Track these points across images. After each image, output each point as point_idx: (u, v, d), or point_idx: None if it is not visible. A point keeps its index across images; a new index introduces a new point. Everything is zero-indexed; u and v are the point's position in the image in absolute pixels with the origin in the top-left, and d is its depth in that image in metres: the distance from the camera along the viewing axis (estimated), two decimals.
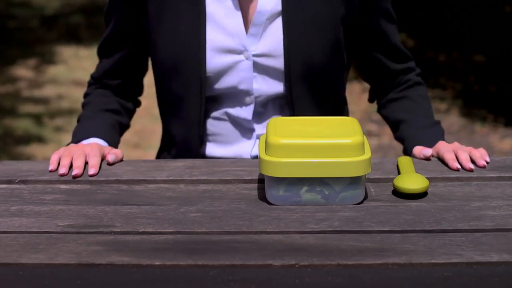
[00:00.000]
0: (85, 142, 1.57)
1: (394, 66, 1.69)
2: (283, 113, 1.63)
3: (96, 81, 1.74)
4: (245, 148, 1.65)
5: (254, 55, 1.58)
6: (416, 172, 1.40)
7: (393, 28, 1.67)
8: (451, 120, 4.53)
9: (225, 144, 1.65)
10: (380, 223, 1.22)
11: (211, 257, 1.10)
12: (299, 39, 1.57)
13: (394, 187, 1.35)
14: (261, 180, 1.39)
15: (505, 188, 1.37)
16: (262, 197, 1.33)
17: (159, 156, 1.77)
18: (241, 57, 1.58)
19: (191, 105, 1.61)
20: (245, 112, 1.63)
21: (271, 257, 1.10)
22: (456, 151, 1.48)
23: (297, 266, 1.08)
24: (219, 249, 1.13)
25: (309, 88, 1.60)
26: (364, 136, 1.32)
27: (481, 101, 4.80)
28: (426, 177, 1.36)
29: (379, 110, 1.75)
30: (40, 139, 4.20)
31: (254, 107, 1.62)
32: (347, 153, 1.27)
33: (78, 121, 1.69)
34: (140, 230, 1.20)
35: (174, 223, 1.23)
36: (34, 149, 4.07)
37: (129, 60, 1.68)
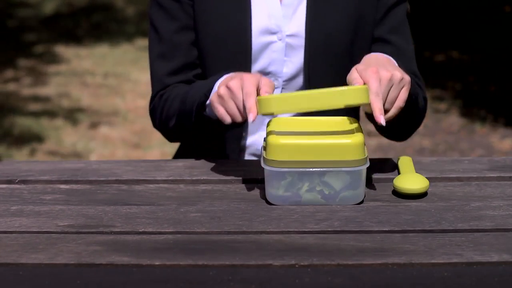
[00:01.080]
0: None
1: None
2: None
3: (164, 88, 1.64)
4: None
5: (287, 36, 1.60)
6: (416, 172, 1.40)
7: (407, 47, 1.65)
8: (451, 120, 4.53)
9: (248, 132, 1.66)
10: (380, 223, 1.22)
11: (211, 257, 1.10)
12: (319, 18, 1.59)
13: (394, 187, 1.35)
14: (261, 180, 1.39)
15: (505, 188, 1.38)
16: (262, 197, 1.33)
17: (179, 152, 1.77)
18: (275, 37, 1.60)
19: None
20: None
21: (271, 257, 1.10)
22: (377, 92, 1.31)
23: (297, 266, 1.08)
24: (219, 249, 1.13)
25: (328, 69, 1.61)
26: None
27: (481, 101, 4.80)
28: (426, 177, 1.36)
29: None
30: (40, 139, 4.20)
31: (280, 91, 1.63)
32: (347, 153, 1.27)
33: (182, 102, 1.55)
34: (140, 230, 1.20)
35: (174, 223, 1.23)
36: (34, 149, 4.07)
37: (192, 49, 1.64)
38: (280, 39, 1.60)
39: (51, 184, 1.42)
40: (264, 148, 1.32)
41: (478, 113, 4.61)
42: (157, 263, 1.09)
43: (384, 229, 1.20)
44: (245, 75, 1.36)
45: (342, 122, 1.37)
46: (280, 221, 1.23)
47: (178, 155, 1.79)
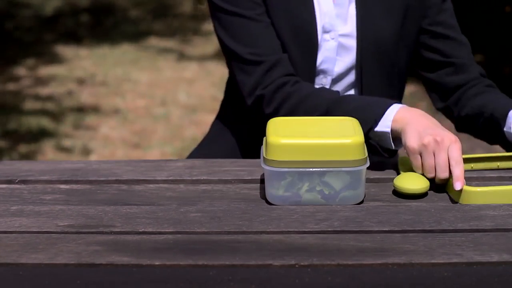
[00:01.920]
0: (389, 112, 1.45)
1: (461, 60, 1.69)
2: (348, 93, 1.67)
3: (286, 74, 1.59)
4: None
5: (339, 35, 1.62)
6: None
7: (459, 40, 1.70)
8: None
9: None
10: (380, 223, 1.22)
11: (211, 257, 1.10)
12: (369, 18, 1.61)
13: (394, 187, 1.35)
14: (261, 180, 1.39)
15: None
16: (262, 197, 1.33)
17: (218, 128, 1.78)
18: (327, 36, 1.62)
19: (301, 76, 1.61)
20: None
21: (271, 257, 1.10)
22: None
23: (297, 266, 1.08)
24: (219, 249, 1.13)
25: (379, 68, 1.63)
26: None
27: None
28: (426, 177, 1.36)
29: (451, 107, 1.70)
30: (40, 138, 4.20)
31: (329, 87, 1.65)
32: (347, 153, 1.27)
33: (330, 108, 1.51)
34: (140, 230, 1.20)
35: (174, 223, 1.23)
36: (34, 148, 4.07)
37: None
38: (333, 38, 1.62)
39: (51, 184, 1.42)
40: (264, 147, 1.32)
41: None
42: (157, 263, 1.09)
43: (384, 229, 1.19)
44: (447, 135, 1.37)
45: (342, 121, 1.37)
46: (280, 221, 1.23)
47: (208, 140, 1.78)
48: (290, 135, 1.30)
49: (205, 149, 1.78)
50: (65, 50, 6.09)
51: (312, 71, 1.62)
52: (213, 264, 1.09)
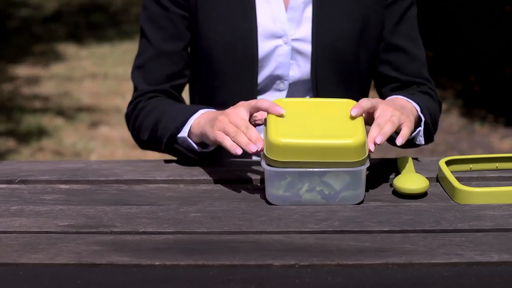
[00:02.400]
0: (191, 120, 1.49)
1: (406, 77, 1.67)
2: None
3: (144, 94, 1.64)
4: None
5: (292, 40, 1.60)
6: (416, 172, 1.40)
7: (414, 45, 1.67)
8: (451, 120, 4.53)
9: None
10: (380, 223, 1.22)
11: (211, 257, 1.10)
12: (326, 23, 1.59)
13: (394, 187, 1.35)
14: (261, 180, 1.39)
15: None
16: (262, 197, 1.33)
17: None
18: (280, 41, 1.60)
19: (242, 93, 1.62)
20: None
21: (271, 257, 1.10)
22: (383, 125, 1.36)
23: (297, 266, 1.08)
24: (219, 249, 1.13)
25: (335, 74, 1.62)
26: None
27: (481, 101, 4.80)
28: (426, 177, 1.36)
29: None
30: (40, 139, 4.20)
31: (287, 94, 1.64)
32: (348, 154, 1.27)
33: (156, 123, 1.57)
34: (140, 230, 1.20)
35: (174, 223, 1.23)
36: (34, 148, 4.07)
37: (182, 54, 1.65)
38: (285, 43, 1.61)
39: (51, 184, 1.42)
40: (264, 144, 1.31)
41: (478, 113, 4.61)
42: (157, 263, 1.09)
43: (384, 229, 1.19)
44: (229, 111, 1.39)
45: (345, 110, 1.34)
46: (280, 221, 1.23)
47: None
48: (291, 133, 1.29)
49: None
50: (65, 50, 6.09)
51: (253, 79, 1.61)
52: (213, 264, 1.09)
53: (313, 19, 1.59)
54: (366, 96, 1.72)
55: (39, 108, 4.73)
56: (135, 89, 1.65)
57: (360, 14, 1.61)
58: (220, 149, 1.44)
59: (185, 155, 1.52)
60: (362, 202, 1.31)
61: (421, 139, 1.50)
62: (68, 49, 6.13)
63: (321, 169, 1.28)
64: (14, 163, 1.55)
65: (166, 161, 1.54)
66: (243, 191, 1.37)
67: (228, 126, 1.36)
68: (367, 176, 1.36)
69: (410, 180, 1.34)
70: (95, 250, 1.13)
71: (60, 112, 4.66)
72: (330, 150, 1.27)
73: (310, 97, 1.64)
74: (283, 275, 1.07)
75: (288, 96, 1.64)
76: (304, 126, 1.32)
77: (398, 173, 1.43)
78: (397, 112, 1.38)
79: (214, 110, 1.50)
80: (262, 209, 1.28)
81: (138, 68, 1.65)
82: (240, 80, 1.62)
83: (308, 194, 1.29)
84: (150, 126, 1.57)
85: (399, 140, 1.37)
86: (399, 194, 1.34)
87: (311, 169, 1.28)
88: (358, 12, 1.60)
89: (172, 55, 1.63)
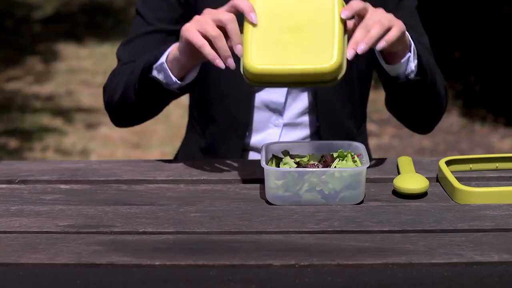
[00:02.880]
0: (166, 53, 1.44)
1: None
2: (304, 95, 1.64)
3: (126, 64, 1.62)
4: (272, 135, 1.64)
5: None
6: (416, 172, 1.40)
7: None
8: (451, 120, 4.53)
9: (255, 132, 1.66)
10: (380, 223, 1.22)
11: (211, 257, 1.10)
12: None
13: (394, 187, 1.35)
14: (261, 180, 1.39)
15: None
16: (262, 197, 1.33)
17: (181, 152, 1.77)
18: None
19: (240, 85, 1.61)
20: (278, 95, 1.63)
21: (271, 257, 1.10)
22: (371, 26, 1.29)
23: (297, 266, 1.08)
24: (219, 249, 1.13)
25: None
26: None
27: (481, 101, 4.80)
28: (426, 177, 1.36)
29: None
30: (40, 139, 4.20)
31: (287, 90, 1.63)
32: (324, 76, 1.26)
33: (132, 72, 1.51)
34: (140, 230, 1.20)
35: (174, 223, 1.23)
36: (34, 148, 4.07)
37: (175, 37, 1.60)
38: None
39: (51, 184, 1.42)
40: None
41: (478, 113, 4.61)
42: (157, 263, 1.09)
43: (384, 229, 1.19)
44: (209, 9, 1.32)
45: (327, 14, 1.29)
46: (280, 221, 1.23)
47: (179, 155, 1.78)
48: (265, 57, 1.26)
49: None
50: (65, 50, 6.09)
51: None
52: (213, 264, 1.09)
53: None
54: (367, 94, 1.72)
55: (39, 108, 4.73)
56: (118, 62, 1.63)
57: None
58: (199, 81, 1.42)
59: (160, 91, 1.44)
60: (362, 202, 1.31)
61: (411, 66, 1.41)
62: (68, 49, 6.13)
63: (321, 169, 1.28)
64: (14, 163, 1.55)
65: (166, 161, 1.54)
66: (243, 191, 1.37)
67: (207, 26, 1.30)
68: (367, 176, 1.36)
69: (410, 180, 1.34)
70: (95, 250, 1.13)
71: (60, 112, 4.66)
72: (305, 75, 1.25)
73: (311, 105, 1.63)
74: (283, 275, 1.07)
75: (288, 93, 1.63)
76: (279, 43, 1.29)
77: (398, 173, 1.43)
78: (389, 15, 1.31)
79: None
80: (262, 209, 1.28)
81: (125, 44, 1.64)
82: (238, 72, 1.61)
83: (308, 194, 1.29)
84: (124, 78, 1.53)
85: (381, 44, 1.28)
86: (399, 194, 1.34)
87: (311, 169, 1.28)
88: None
89: (164, 34, 1.61)
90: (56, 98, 4.92)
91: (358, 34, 1.27)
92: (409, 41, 1.40)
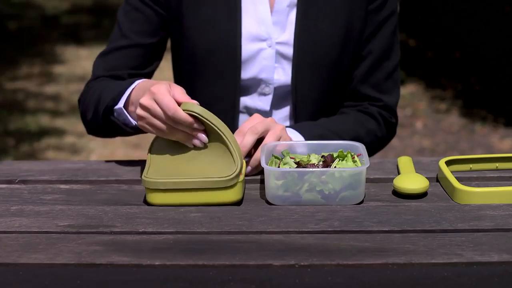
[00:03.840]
0: (129, 90, 1.46)
1: (366, 91, 1.65)
2: (288, 103, 1.65)
3: (97, 78, 1.65)
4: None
5: (276, 43, 1.60)
6: (416, 172, 1.40)
7: (382, 49, 1.64)
8: (451, 120, 4.53)
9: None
10: (380, 223, 1.22)
11: (211, 257, 1.10)
12: (310, 28, 1.58)
13: (394, 187, 1.35)
14: (261, 180, 1.39)
15: None
16: (262, 197, 1.33)
17: None
18: (264, 44, 1.60)
19: (224, 94, 1.61)
20: (263, 103, 1.64)
21: (271, 257, 1.10)
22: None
23: (297, 266, 1.08)
24: (219, 249, 1.13)
25: (315, 79, 1.61)
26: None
27: (481, 101, 4.80)
28: (426, 177, 1.36)
29: None
30: (40, 138, 4.20)
31: (272, 98, 1.63)
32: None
33: (98, 98, 1.54)
34: (140, 230, 1.20)
35: (174, 223, 1.23)
36: (34, 148, 4.07)
37: (151, 50, 1.64)
38: (269, 46, 1.60)
39: (51, 184, 1.42)
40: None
41: (478, 113, 4.61)
42: (157, 263, 1.09)
43: (384, 229, 1.19)
44: (154, 88, 1.31)
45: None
46: (280, 221, 1.23)
47: None
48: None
49: None
50: (65, 50, 6.09)
51: (236, 82, 1.61)
52: (213, 264, 1.09)
53: (297, 22, 1.58)
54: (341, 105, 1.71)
55: (40, 108, 4.73)
56: (92, 74, 1.65)
57: (344, 19, 1.59)
58: None
59: (123, 130, 1.49)
60: (362, 202, 1.31)
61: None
62: (68, 49, 6.13)
63: (321, 169, 1.28)
64: (14, 163, 1.55)
65: None
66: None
67: (154, 121, 1.31)
68: (367, 176, 1.36)
69: (410, 180, 1.34)
70: (95, 250, 1.13)
71: (60, 112, 4.66)
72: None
73: (291, 102, 1.64)
74: (283, 275, 1.07)
75: (273, 101, 1.64)
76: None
77: (398, 173, 1.43)
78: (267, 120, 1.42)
79: (150, 80, 1.47)
80: (262, 209, 1.28)
81: (102, 56, 1.65)
82: (223, 82, 1.61)
83: (308, 194, 1.29)
84: (93, 103, 1.55)
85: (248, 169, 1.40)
86: (399, 194, 1.34)
87: (311, 169, 1.28)
88: (342, 17, 1.59)
89: (140, 48, 1.62)
90: (56, 98, 4.93)
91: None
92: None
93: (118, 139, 4.18)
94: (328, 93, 1.64)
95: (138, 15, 1.62)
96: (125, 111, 1.46)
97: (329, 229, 1.20)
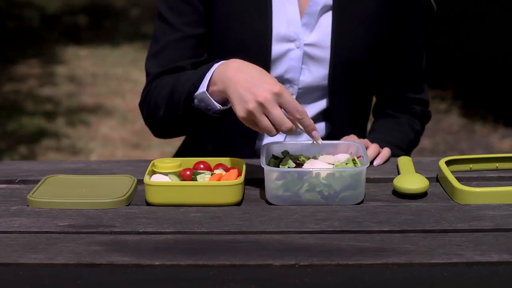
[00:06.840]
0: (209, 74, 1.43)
1: (409, 94, 1.73)
2: (318, 105, 1.65)
3: (157, 76, 1.61)
4: (277, 138, 1.64)
5: (305, 45, 1.60)
6: (416, 172, 1.40)
7: (417, 55, 1.72)
8: (451, 120, 4.53)
9: (265, 139, 1.66)
10: (380, 223, 1.22)
11: (211, 257, 1.10)
12: (345, 32, 1.60)
13: (394, 187, 1.35)
14: (261, 180, 1.39)
15: None
16: (262, 197, 1.33)
17: (181, 153, 1.77)
18: (292, 45, 1.60)
19: None
20: None
21: (271, 257, 1.10)
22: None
23: (297, 266, 1.08)
24: (219, 249, 1.13)
25: (348, 81, 1.63)
26: None
27: (481, 101, 4.80)
28: (426, 177, 1.36)
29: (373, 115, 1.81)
30: (40, 138, 4.20)
31: (296, 99, 1.63)
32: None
33: (172, 92, 1.51)
34: (140, 230, 1.20)
35: (174, 223, 1.23)
36: (33, 148, 4.07)
37: (204, 40, 1.62)
38: (298, 47, 1.60)
39: None
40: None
41: (478, 113, 4.62)
42: (157, 263, 1.09)
43: (384, 229, 1.19)
44: (277, 88, 1.31)
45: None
46: (280, 221, 1.23)
47: (179, 155, 1.78)
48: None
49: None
50: (65, 50, 6.09)
51: None
52: (213, 264, 1.09)
53: (333, 26, 1.59)
54: (370, 104, 1.74)
55: (40, 108, 4.73)
56: (148, 75, 1.62)
57: (377, 24, 1.62)
58: None
59: (206, 116, 1.46)
60: (362, 202, 1.31)
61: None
62: (68, 49, 6.13)
63: (321, 170, 1.28)
64: (14, 163, 1.55)
65: None
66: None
67: (262, 119, 1.31)
68: (367, 176, 1.36)
69: (410, 180, 1.34)
70: (95, 250, 1.13)
71: (60, 112, 4.66)
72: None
73: (323, 105, 1.65)
74: (283, 275, 1.07)
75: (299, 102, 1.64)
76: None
77: (398, 173, 1.43)
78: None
79: (231, 60, 1.42)
80: (262, 209, 1.28)
81: (154, 55, 1.62)
82: None
83: (308, 194, 1.29)
84: (165, 97, 1.53)
85: (377, 161, 1.51)
86: (399, 194, 1.34)
87: (311, 169, 1.28)
88: (375, 22, 1.61)
89: (194, 39, 1.60)
90: (56, 98, 4.93)
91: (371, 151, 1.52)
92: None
93: (118, 139, 4.18)
94: (358, 94, 1.67)
95: (185, 7, 1.60)
96: (208, 95, 1.42)
97: (329, 229, 1.20)
